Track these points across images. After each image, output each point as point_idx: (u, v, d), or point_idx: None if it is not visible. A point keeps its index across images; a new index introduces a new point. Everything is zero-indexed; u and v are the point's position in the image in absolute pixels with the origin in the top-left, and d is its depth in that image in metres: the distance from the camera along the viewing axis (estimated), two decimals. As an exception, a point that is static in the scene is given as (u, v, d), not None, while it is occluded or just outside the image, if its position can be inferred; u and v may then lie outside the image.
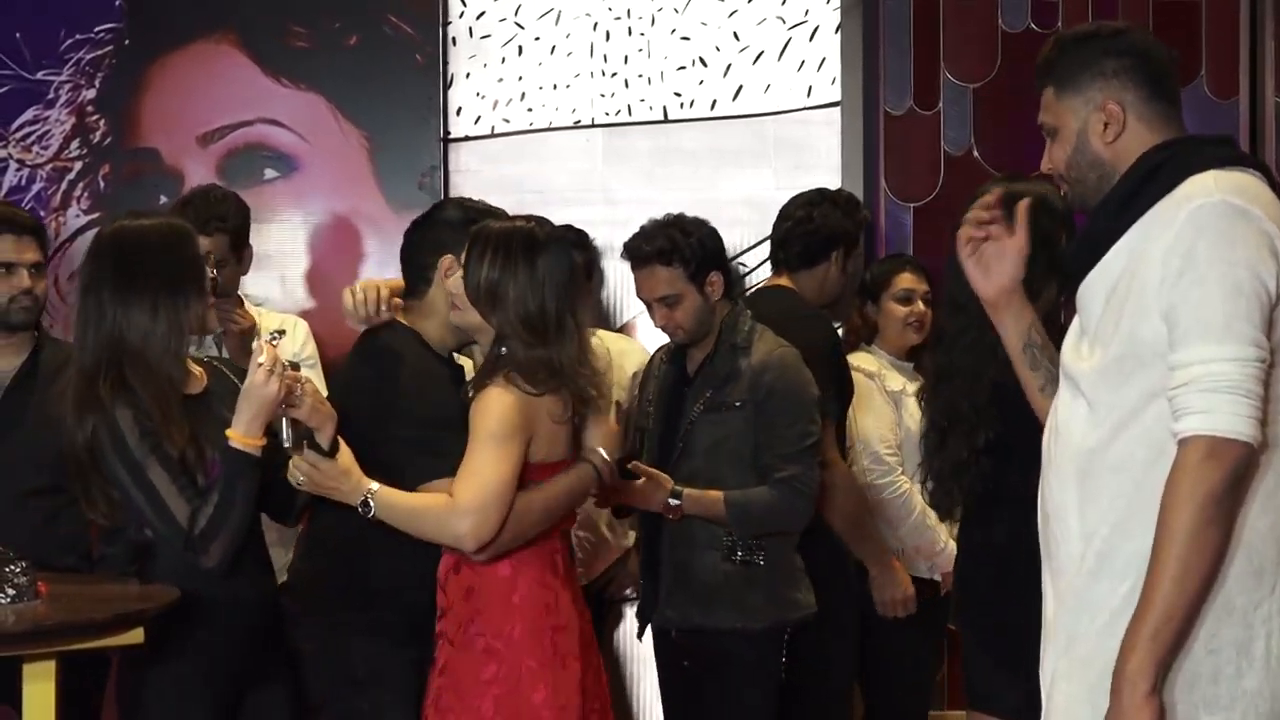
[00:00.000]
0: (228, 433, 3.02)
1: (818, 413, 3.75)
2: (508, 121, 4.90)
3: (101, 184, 4.97)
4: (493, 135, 4.90)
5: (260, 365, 2.98)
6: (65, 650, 2.87)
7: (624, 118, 4.86)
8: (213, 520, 3.01)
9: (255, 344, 3.06)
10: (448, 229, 3.35)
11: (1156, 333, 2.36)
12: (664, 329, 3.83)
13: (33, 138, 4.99)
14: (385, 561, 3.22)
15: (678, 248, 3.73)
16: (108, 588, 3.21)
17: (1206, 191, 2.38)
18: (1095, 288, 2.50)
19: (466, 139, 4.90)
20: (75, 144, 4.98)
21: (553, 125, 4.89)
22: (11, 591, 2.92)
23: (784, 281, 4.14)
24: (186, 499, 3.03)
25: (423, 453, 3.16)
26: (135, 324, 3.07)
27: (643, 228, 3.80)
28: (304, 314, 4.55)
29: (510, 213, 3.50)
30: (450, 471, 3.09)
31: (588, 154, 4.87)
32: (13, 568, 2.93)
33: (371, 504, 3.07)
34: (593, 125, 4.88)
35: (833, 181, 4.64)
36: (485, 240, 3.15)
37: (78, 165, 4.98)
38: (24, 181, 4.96)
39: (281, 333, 3.10)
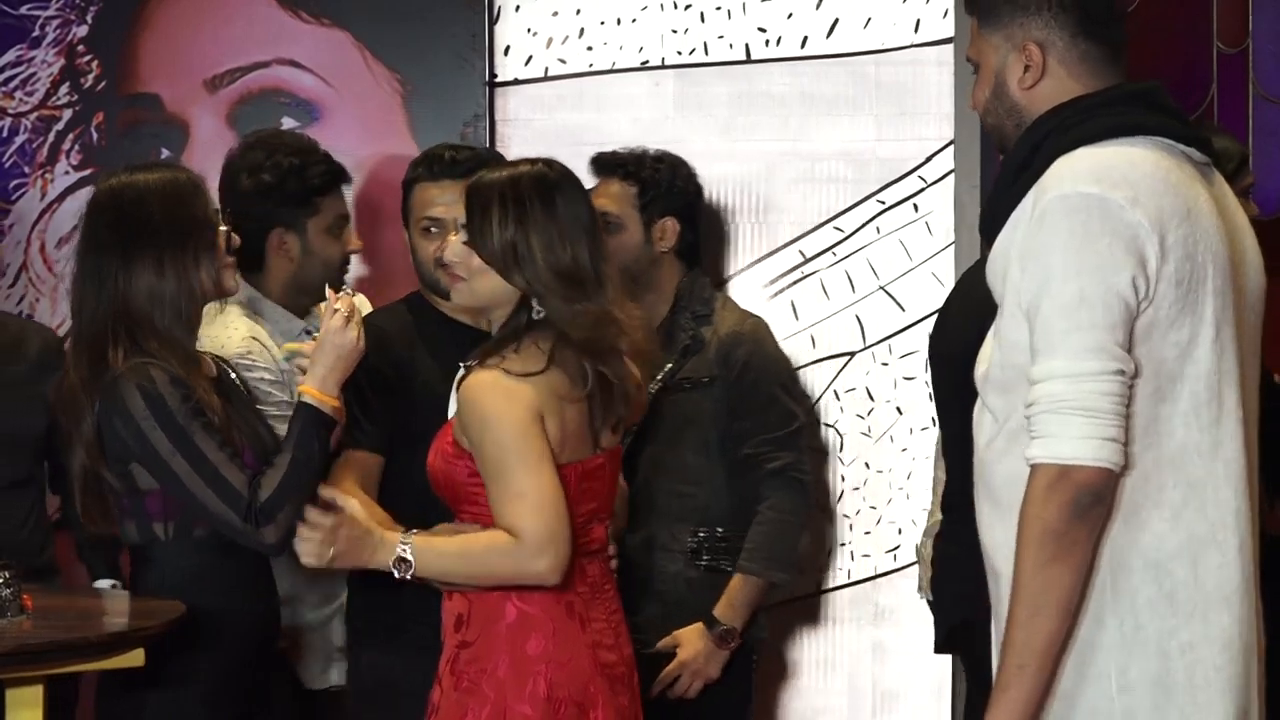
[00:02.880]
0: (302, 387, 3.11)
1: (798, 392, 3.77)
2: (564, 62, 4.81)
3: (94, 135, 4.92)
4: (546, 78, 4.82)
5: (338, 311, 3.06)
6: (55, 673, 2.89)
7: (699, 58, 4.76)
8: (282, 485, 3.00)
9: (329, 291, 3.22)
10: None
11: (1024, 337, 2.37)
12: None
13: (15, 82, 4.94)
14: (402, 589, 3.12)
15: (644, 168, 3.89)
16: (101, 602, 3.27)
17: (1061, 181, 2.37)
18: (993, 273, 2.49)
19: (516, 83, 4.82)
20: (64, 89, 4.94)
21: (616, 67, 4.80)
22: (-8, 605, 2.92)
23: None
24: (239, 466, 3.03)
25: None
26: (140, 286, 3.09)
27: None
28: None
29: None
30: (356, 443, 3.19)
31: (657, 100, 4.76)
32: (-7, 576, 2.95)
33: (410, 557, 2.97)
34: (663, 66, 4.78)
35: (945, 132, 4.54)
36: (489, 193, 3.05)
37: (67, 114, 4.93)
38: (4, 133, 4.92)
39: (351, 290, 3.25)
